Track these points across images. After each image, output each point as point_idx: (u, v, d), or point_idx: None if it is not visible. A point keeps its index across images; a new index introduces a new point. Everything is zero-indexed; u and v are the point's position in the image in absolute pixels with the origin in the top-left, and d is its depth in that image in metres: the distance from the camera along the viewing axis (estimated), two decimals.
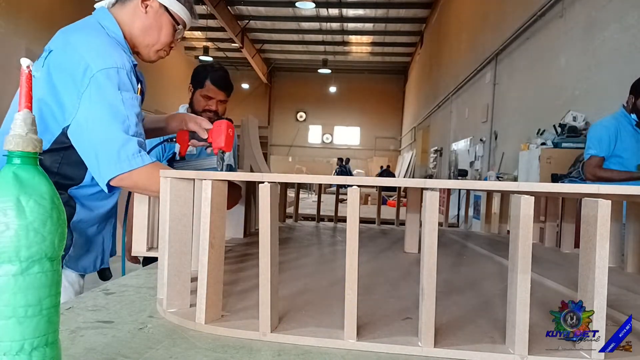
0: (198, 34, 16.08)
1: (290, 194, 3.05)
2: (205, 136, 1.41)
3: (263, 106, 21.36)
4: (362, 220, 2.28)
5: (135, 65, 1.25)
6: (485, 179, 6.11)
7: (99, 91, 1.12)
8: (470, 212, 4.82)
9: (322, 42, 17.05)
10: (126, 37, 1.28)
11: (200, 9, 11.61)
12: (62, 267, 1.26)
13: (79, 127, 1.14)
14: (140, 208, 1.30)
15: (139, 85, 1.22)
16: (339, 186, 2.39)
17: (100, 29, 1.24)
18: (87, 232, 1.33)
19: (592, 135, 2.90)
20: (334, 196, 2.52)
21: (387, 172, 15.28)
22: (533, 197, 0.66)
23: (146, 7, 1.27)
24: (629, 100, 2.77)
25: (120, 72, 1.15)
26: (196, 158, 1.93)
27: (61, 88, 1.15)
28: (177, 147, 1.55)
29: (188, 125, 1.45)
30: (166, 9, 1.29)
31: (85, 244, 1.34)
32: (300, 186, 2.64)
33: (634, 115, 2.75)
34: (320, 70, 18.40)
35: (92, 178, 1.22)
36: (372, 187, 4.71)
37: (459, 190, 4.53)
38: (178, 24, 1.33)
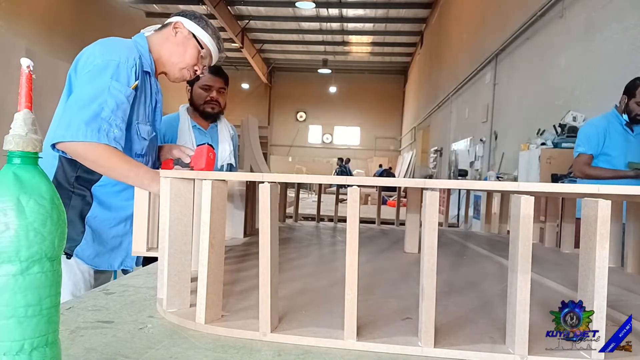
0: None
1: (290, 194, 3.05)
2: (188, 161, 1.51)
3: (263, 106, 21.33)
4: (362, 220, 2.28)
5: (149, 73, 1.43)
6: (485, 179, 6.11)
7: (94, 75, 1.27)
8: (470, 212, 4.81)
9: (322, 42, 17.03)
10: (154, 57, 1.47)
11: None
12: (72, 256, 1.33)
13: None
14: (140, 207, 1.29)
15: (137, 82, 1.34)
16: (339, 186, 2.39)
17: (127, 40, 1.42)
18: (109, 231, 1.39)
19: (581, 133, 2.96)
20: (334, 196, 2.52)
21: (387, 173, 15.24)
22: (533, 197, 0.66)
23: (176, 32, 1.47)
24: (621, 100, 2.80)
25: (121, 65, 1.29)
26: None
27: (74, 80, 1.31)
28: None
29: (172, 153, 1.57)
30: (194, 35, 1.47)
31: (102, 241, 1.38)
32: (300, 186, 2.64)
33: (625, 116, 2.78)
34: (320, 70, 18.38)
35: None
36: (372, 187, 4.71)
37: (459, 190, 4.53)
38: (203, 49, 1.49)
